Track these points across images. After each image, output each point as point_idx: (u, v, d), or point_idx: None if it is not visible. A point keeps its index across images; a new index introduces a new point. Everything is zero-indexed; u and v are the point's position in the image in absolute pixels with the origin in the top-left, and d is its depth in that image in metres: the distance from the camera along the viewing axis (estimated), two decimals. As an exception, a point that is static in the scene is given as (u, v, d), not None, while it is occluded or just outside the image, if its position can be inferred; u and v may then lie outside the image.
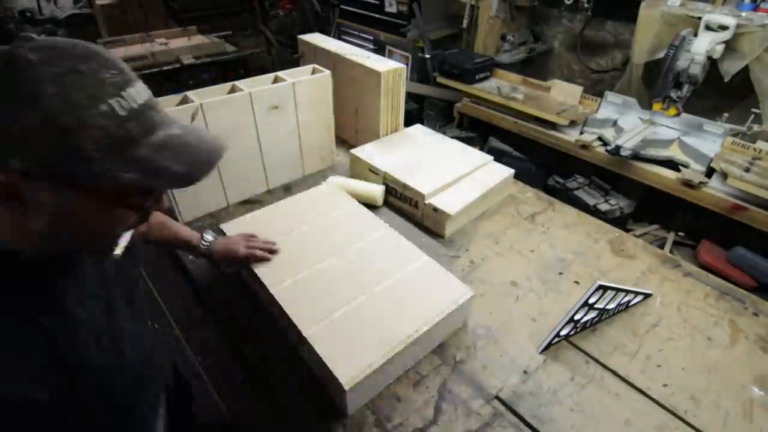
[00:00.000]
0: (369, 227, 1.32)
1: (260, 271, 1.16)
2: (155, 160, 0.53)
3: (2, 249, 0.55)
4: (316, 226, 1.32)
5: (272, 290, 1.10)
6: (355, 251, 1.23)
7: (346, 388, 0.90)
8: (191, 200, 1.51)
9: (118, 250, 0.66)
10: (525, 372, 1.07)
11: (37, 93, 0.48)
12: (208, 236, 1.19)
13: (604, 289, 1.09)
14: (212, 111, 1.41)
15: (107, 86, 0.51)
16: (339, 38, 3.89)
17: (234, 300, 1.23)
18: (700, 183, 2.01)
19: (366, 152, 1.72)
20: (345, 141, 2.04)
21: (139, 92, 0.54)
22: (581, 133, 2.48)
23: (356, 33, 3.92)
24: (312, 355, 1.00)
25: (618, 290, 1.14)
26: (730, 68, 2.11)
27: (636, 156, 2.19)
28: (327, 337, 0.99)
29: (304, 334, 0.99)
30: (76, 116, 0.49)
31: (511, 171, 1.68)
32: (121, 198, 0.57)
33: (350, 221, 1.35)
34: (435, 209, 1.46)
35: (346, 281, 1.13)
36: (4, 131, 0.48)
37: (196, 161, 0.57)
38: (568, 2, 2.80)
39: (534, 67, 3.35)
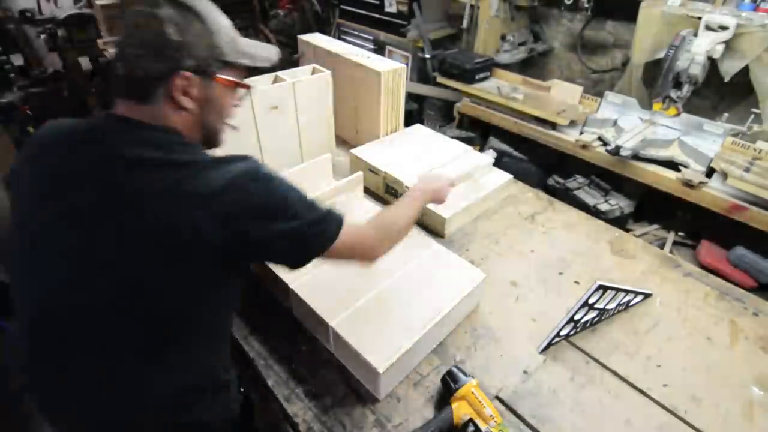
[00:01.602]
0: None
1: (278, 269, 1.18)
2: (251, 49, 0.86)
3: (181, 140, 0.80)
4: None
5: (292, 285, 1.13)
6: None
7: (380, 371, 0.92)
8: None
9: None
10: (525, 372, 1.07)
11: (198, 7, 0.77)
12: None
13: (604, 289, 1.09)
14: (212, 111, 1.41)
15: (224, 18, 0.83)
16: (339, 38, 3.89)
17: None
18: (700, 183, 2.01)
19: (366, 152, 1.72)
20: (345, 141, 2.04)
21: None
22: (581, 133, 2.48)
23: (356, 33, 3.91)
24: (338, 346, 1.03)
25: (618, 290, 1.14)
26: (730, 68, 2.11)
27: (636, 156, 2.18)
28: (353, 326, 1.03)
29: (330, 325, 1.02)
30: (216, 23, 0.80)
31: (509, 176, 1.69)
32: (235, 82, 0.85)
33: (359, 213, 1.37)
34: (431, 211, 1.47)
35: (363, 271, 1.15)
36: (183, 40, 0.75)
37: (267, 50, 0.91)
38: (568, 2, 2.79)
39: (534, 67, 3.35)
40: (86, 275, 0.73)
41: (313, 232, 0.80)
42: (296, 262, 0.84)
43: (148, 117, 0.77)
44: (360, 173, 1.46)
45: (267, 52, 0.90)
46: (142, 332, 0.75)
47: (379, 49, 3.65)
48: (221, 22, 0.80)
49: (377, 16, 3.64)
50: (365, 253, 0.91)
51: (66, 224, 0.75)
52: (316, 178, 1.56)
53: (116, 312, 0.74)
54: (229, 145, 0.92)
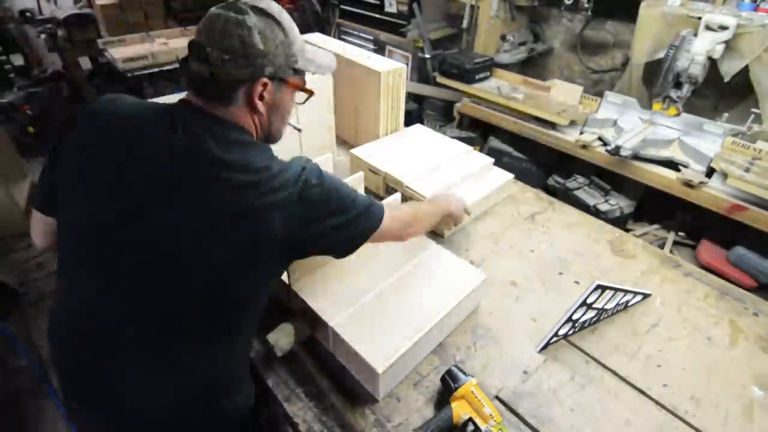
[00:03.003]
0: None
1: None
2: (316, 57, 0.93)
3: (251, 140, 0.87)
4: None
5: (293, 286, 1.12)
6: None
7: (380, 371, 0.92)
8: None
9: None
10: (525, 372, 1.07)
11: (280, 15, 0.83)
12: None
13: (602, 288, 1.09)
14: (212, 111, 1.41)
15: (292, 23, 0.87)
16: (339, 38, 3.89)
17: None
18: (700, 183, 2.01)
19: (366, 152, 1.72)
20: (345, 141, 2.04)
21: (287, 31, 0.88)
22: (581, 133, 2.48)
23: (356, 33, 3.92)
24: (338, 346, 1.03)
25: (616, 290, 1.14)
26: (730, 68, 2.11)
27: (636, 156, 2.19)
28: (353, 326, 1.03)
29: (330, 325, 1.02)
30: (294, 33, 0.86)
31: (511, 175, 1.70)
32: (300, 85, 0.92)
33: None
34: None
35: (363, 272, 1.16)
36: (267, 49, 0.81)
37: (325, 59, 0.96)
38: (568, 2, 2.79)
39: (534, 67, 3.35)
40: (164, 262, 0.77)
41: (361, 223, 0.91)
42: (347, 250, 0.94)
43: (223, 114, 0.82)
44: (361, 173, 1.46)
45: (328, 59, 0.97)
46: (208, 319, 0.81)
47: (379, 49, 3.66)
48: (297, 32, 0.87)
49: (377, 16, 3.65)
50: (396, 238, 1.07)
51: (141, 211, 0.77)
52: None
53: (190, 300, 0.79)
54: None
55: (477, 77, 2.92)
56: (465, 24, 3.18)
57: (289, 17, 0.86)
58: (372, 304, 1.10)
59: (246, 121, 0.86)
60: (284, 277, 1.13)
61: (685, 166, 2.14)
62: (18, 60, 4.11)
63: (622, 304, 1.22)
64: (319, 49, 0.96)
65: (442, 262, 1.24)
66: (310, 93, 0.96)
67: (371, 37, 3.77)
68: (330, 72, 0.99)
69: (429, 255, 1.27)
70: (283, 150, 1.74)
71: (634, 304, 1.27)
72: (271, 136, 0.95)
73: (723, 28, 2.03)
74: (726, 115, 2.24)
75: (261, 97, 0.84)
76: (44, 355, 2.15)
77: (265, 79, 0.82)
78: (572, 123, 2.50)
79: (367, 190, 1.65)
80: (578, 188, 2.49)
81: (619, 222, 2.30)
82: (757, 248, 1.98)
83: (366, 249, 1.25)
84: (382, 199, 1.39)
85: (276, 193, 0.79)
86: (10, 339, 2.27)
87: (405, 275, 1.19)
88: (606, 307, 1.16)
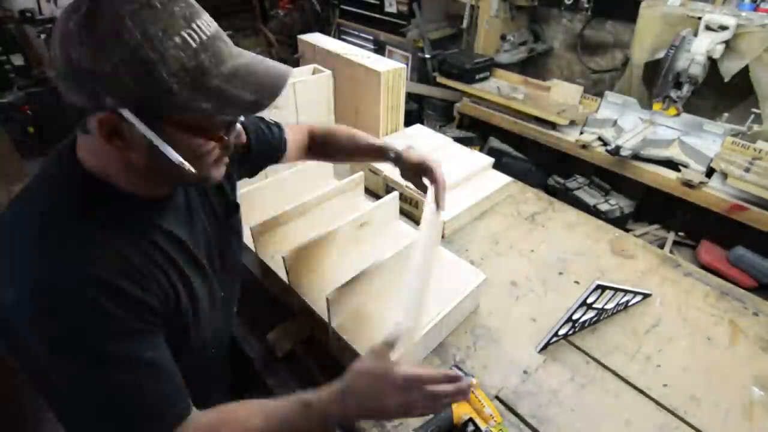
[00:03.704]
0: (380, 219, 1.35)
1: (277, 269, 1.18)
2: (227, 90, 0.56)
3: (117, 191, 0.63)
4: (318, 218, 1.34)
5: (293, 285, 1.12)
6: (368, 241, 1.27)
7: None
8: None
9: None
10: (525, 372, 1.07)
11: (119, 29, 0.50)
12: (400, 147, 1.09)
13: (602, 288, 1.09)
14: (212, 111, 1.41)
15: (178, 19, 0.53)
16: (339, 38, 3.89)
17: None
18: (700, 183, 2.01)
19: (366, 152, 1.72)
20: (345, 141, 2.04)
21: (207, 23, 0.56)
22: (581, 133, 2.48)
23: (356, 33, 3.91)
24: (338, 346, 1.03)
25: (616, 290, 1.14)
26: (730, 68, 2.11)
27: (636, 156, 2.19)
28: (353, 326, 1.03)
29: (330, 325, 1.01)
30: (154, 49, 0.51)
31: (510, 179, 1.70)
32: (202, 129, 0.60)
33: (351, 211, 1.37)
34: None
35: (363, 271, 1.14)
36: (97, 72, 0.52)
37: (263, 88, 0.60)
38: (568, 2, 2.79)
39: (534, 67, 3.35)
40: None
41: None
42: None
43: (83, 150, 0.63)
44: (361, 173, 1.46)
45: (271, 79, 0.61)
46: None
47: (379, 49, 3.65)
48: (168, 44, 0.52)
49: (377, 16, 3.65)
50: None
51: None
52: (317, 178, 1.56)
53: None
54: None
55: (477, 77, 2.92)
56: (465, 24, 3.18)
57: (163, 15, 0.52)
58: (372, 304, 1.10)
59: (104, 160, 0.61)
60: (284, 277, 1.13)
61: (685, 166, 2.14)
62: (18, 60, 4.11)
63: (622, 304, 1.22)
64: (265, 63, 0.62)
65: (441, 262, 1.24)
66: (218, 141, 0.63)
67: (371, 37, 3.76)
68: (266, 104, 0.60)
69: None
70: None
71: (634, 304, 1.27)
72: (169, 181, 0.68)
73: (723, 28, 2.03)
74: (726, 115, 2.24)
75: (117, 135, 0.56)
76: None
77: (108, 114, 0.54)
78: (572, 123, 2.50)
79: (367, 190, 1.65)
80: (578, 188, 2.49)
81: (619, 222, 2.30)
82: (757, 248, 1.98)
83: (366, 249, 1.26)
84: (380, 198, 1.39)
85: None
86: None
87: (405, 275, 1.19)
88: (606, 307, 1.16)
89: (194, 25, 0.54)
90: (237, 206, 0.91)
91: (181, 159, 0.59)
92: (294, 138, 1.10)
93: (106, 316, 0.58)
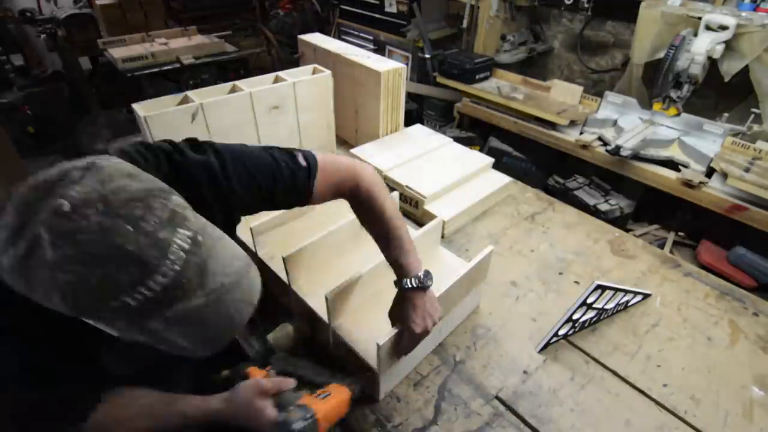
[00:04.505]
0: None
1: (276, 269, 1.18)
2: (163, 333, 0.53)
3: None
4: (318, 218, 1.34)
5: (293, 285, 1.12)
6: (368, 241, 1.26)
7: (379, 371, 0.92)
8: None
9: None
10: (525, 372, 1.07)
11: (49, 295, 0.49)
12: (426, 280, 0.92)
13: (602, 288, 1.09)
14: (212, 111, 1.41)
15: (122, 285, 0.49)
16: (339, 38, 3.89)
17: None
18: (700, 183, 2.01)
19: (366, 152, 1.72)
20: (345, 141, 2.04)
21: (164, 275, 0.50)
22: (581, 133, 2.48)
23: (356, 33, 3.92)
24: (338, 346, 1.03)
25: (616, 290, 1.14)
26: (730, 68, 2.11)
27: (636, 156, 2.19)
28: (353, 326, 1.03)
29: (332, 326, 1.02)
30: (85, 310, 0.51)
31: (509, 179, 1.70)
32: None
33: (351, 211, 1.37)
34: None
35: (363, 271, 1.13)
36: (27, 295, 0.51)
37: (205, 340, 0.57)
38: (568, 2, 2.79)
39: (534, 67, 3.35)
40: None
41: None
42: None
43: None
44: None
45: (218, 330, 0.58)
46: None
47: (379, 49, 3.65)
48: (103, 308, 0.51)
49: (377, 16, 3.65)
50: None
51: None
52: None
53: None
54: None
55: (477, 77, 2.92)
56: (465, 24, 3.18)
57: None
58: (372, 304, 1.10)
59: None
60: (284, 277, 1.13)
61: (685, 166, 2.13)
62: (18, 60, 4.11)
63: (622, 304, 1.22)
64: (226, 302, 0.56)
65: (442, 262, 1.24)
66: None
67: (371, 37, 3.76)
68: (203, 353, 0.58)
69: (429, 255, 1.26)
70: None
71: (634, 304, 1.27)
72: None
73: (723, 28, 2.03)
74: (726, 115, 2.24)
75: None
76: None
77: None
78: (572, 123, 2.50)
79: (367, 190, 1.65)
80: (578, 188, 2.50)
81: (619, 222, 2.30)
82: (757, 248, 1.98)
83: (366, 249, 1.26)
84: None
85: None
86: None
87: None
88: (606, 307, 1.16)
89: (141, 287, 0.49)
90: None
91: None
92: (326, 186, 0.90)
93: None
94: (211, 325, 0.56)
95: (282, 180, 0.85)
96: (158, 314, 0.51)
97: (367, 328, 1.02)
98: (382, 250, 0.97)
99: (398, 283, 0.93)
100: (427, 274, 0.92)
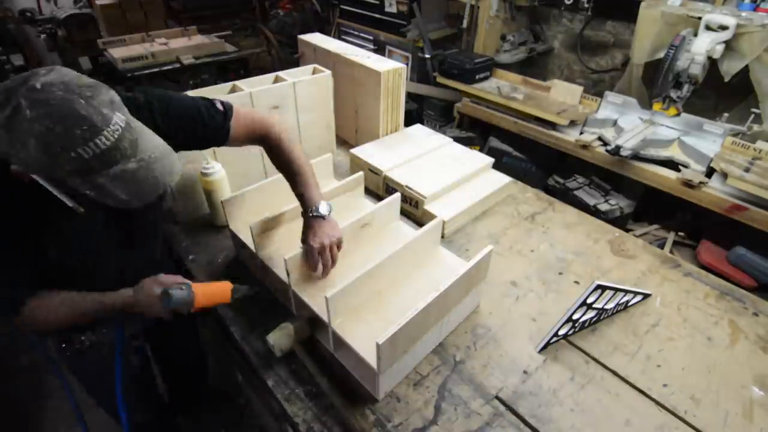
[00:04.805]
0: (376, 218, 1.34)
1: (277, 270, 1.18)
2: (107, 187, 0.75)
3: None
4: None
5: (293, 285, 1.12)
6: (368, 241, 1.28)
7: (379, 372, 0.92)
8: (190, 201, 1.52)
9: None
10: (525, 372, 1.07)
11: (26, 143, 0.69)
12: (323, 209, 1.14)
13: (602, 288, 1.09)
14: (212, 111, 1.41)
15: (77, 139, 0.70)
16: (339, 38, 3.89)
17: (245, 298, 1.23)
18: (700, 183, 2.01)
19: (366, 152, 1.72)
20: (345, 141, 2.04)
21: (106, 138, 0.72)
22: (581, 133, 2.48)
23: (356, 33, 3.92)
24: (338, 346, 1.03)
25: (616, 290, 1.14)
26: (730, 68, 2.11)
27: (636, 156, 2.19)
28: (353, 326, 1.02)
29: (330, 325, 1.01)
30: (52, 159, 0.70)
31: (509, 179, 1.70)
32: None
33: (351, 211, 1.37)
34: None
35: (363, 272, 1.14)
36: (11, 154, 0.71)
37: (139, 193, 0.79)
38: (568, 2, 2.79)
39: (534, 67, 3.35)
40: None
41: None
42: None
43: None
44: (361, 173, 1.46)
45: (149, 186, 0.81)
46: None
47: (379, 49, 3.65)
48: (63, 157, 0.71)
49: (377, 16, 3.65)
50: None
51: None
52: (317, 178, 1.56)
53: None
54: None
55: (477, 77, 2.92)
56: (465, 24, 3.18)
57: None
58: (372, 304, 1.10)
59: None
60: (284, 277, 1.13)
61: (685, 166, 2.13)
62: (18, 60, 4.12)
63: (622, 304, 1.22)
64: (153, 167, 0.79)
65: (442, 262, 1.24)
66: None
67: (371, 37, 3.76)
68: (139, 203, 0.81)
69: (429, 255, 1.26)
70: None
71: (634, 304, 1.27)
72: None
73: (723, 28, 2.03)
74: (726, 115, 2.24)
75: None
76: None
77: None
78: (572, 123, 2.50)
79: (367, 190, 1.65)
80: (578, 188, 2.49)
81: (619, 222, 2.30)
82: (757, 248, 1.98)
83: (367, 249, 1.26)
84: (382, 199, 1.39)
85: None
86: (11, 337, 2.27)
87: (405, 275, 1.19)
88: (606, 307, 1.16)
89: (91, 143, 0.70)
90: None
91: (76, 204, 0.80)
92: (242, 127, 1.12)
93: None
94: (143, 184, 0.78)
95: (201, 119, 1.04)
96: (105, 172, 0.73)
97: (367, 328, 1.02)
98: (291, 187, 1.19)
99: (304, 214, 1.14)
100: (325, 205, 1.14)
